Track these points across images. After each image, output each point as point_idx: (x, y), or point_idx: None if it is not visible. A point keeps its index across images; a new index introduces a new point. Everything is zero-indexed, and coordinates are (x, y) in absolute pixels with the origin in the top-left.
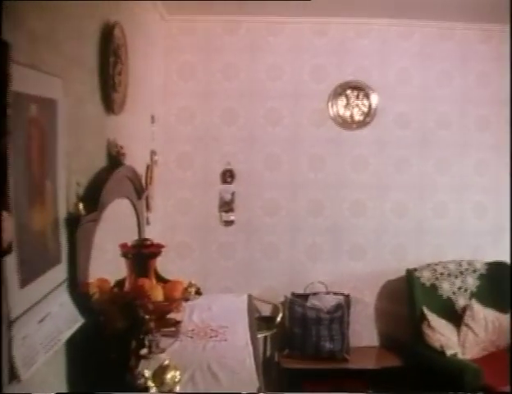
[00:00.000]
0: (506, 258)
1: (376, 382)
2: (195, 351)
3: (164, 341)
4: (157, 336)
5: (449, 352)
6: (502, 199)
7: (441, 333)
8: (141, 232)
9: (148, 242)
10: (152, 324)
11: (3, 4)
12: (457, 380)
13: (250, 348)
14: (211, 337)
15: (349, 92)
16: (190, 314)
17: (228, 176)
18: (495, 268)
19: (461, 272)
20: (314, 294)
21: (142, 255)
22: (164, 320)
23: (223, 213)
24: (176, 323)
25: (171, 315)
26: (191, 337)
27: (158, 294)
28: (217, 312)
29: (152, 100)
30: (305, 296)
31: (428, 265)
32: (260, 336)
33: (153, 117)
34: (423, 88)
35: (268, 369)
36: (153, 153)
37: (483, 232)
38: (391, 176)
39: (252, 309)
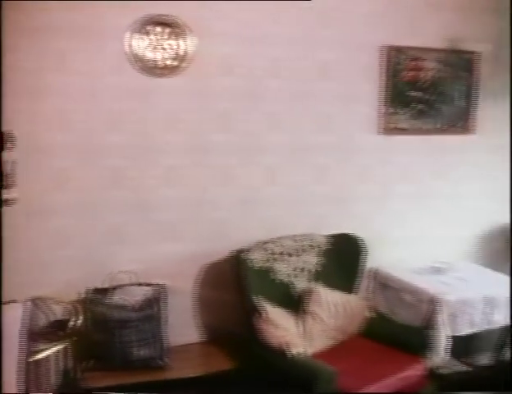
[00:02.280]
0: (350, 230)
1: (205, 392)
2: None
3: None
4: None
5: (292, 351)
6: (346, 159)
7: (281, 327)
8: None
9: None
10: None
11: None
12: (305, 385)
13: None
14: None
15: (155, 29)
16: None
17: (5, 140)
18: (338, 242)
19: (300, 250)
20: (119, 287)
21: None
22: None
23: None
24: None
25: None
26: None
27: None
28: None
29: None
30: (108, 291)
31: (259, 243)
32: (55, 349)
33: None
34: (252, 25)
35: (69, 389)
36: None
37: (325, 200)
38: (211, 134)
39: (33, 324)
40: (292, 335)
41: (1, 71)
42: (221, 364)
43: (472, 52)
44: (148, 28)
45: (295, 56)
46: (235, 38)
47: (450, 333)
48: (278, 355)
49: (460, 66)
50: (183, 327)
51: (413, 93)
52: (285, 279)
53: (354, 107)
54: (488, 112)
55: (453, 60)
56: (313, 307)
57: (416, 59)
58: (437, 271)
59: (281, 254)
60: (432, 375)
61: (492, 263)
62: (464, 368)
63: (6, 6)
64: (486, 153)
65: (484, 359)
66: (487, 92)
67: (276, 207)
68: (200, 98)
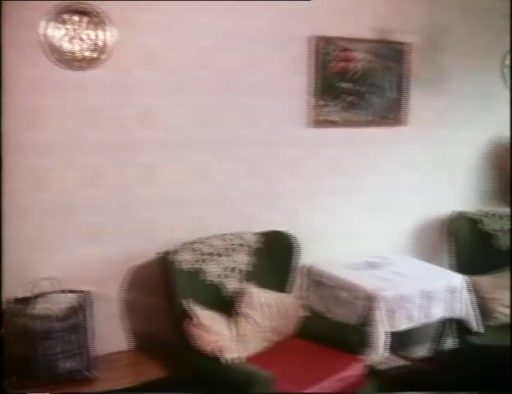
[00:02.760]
0: (282, 227)
1: None
2: None
3: None
4: None
5: (226, 356)
6: (275, 154)
7: (213, 331)
8: None
9: None
10: None
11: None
12: (241, 391)
13: None
14: None
15: (72, 17)
16: None
17: None
18: (269, 240)
19: (230, 249)
20: (41, 296)
21: None
22: None
23: None
24: None
25: None
26: None
27: None
28: None
29: None
30: (30, 300)
31: (187, 244)
32: None
33: None
34: (177, 15)
35: None
36: None
37: (254, 196)
38: (134, 130)
39: None
40: (225, 339)
41: (1, 70)
42: (151, 372)
43: (402, 43)
44: (65, 16)
45: (222, 47)
46: (159, 28)
47: (388, 329)
48: (211, 361)
49: (390, 56)
50: (110, 335)
51: (344, 85)
52: (216, 280)
53: (282, 99)
54: (420, 104)
55: (383, 51)
56: (245, 309)
57: (345, 50)
58: (373, 266)
59: (211, 254)
60: (371, 372)
61: (428, 255)
62: (401, 362)
63: None
64: (419, 145)
65: (420, 351)
66: (418, 83)
67: (204, 205)
68: (122, 92)
